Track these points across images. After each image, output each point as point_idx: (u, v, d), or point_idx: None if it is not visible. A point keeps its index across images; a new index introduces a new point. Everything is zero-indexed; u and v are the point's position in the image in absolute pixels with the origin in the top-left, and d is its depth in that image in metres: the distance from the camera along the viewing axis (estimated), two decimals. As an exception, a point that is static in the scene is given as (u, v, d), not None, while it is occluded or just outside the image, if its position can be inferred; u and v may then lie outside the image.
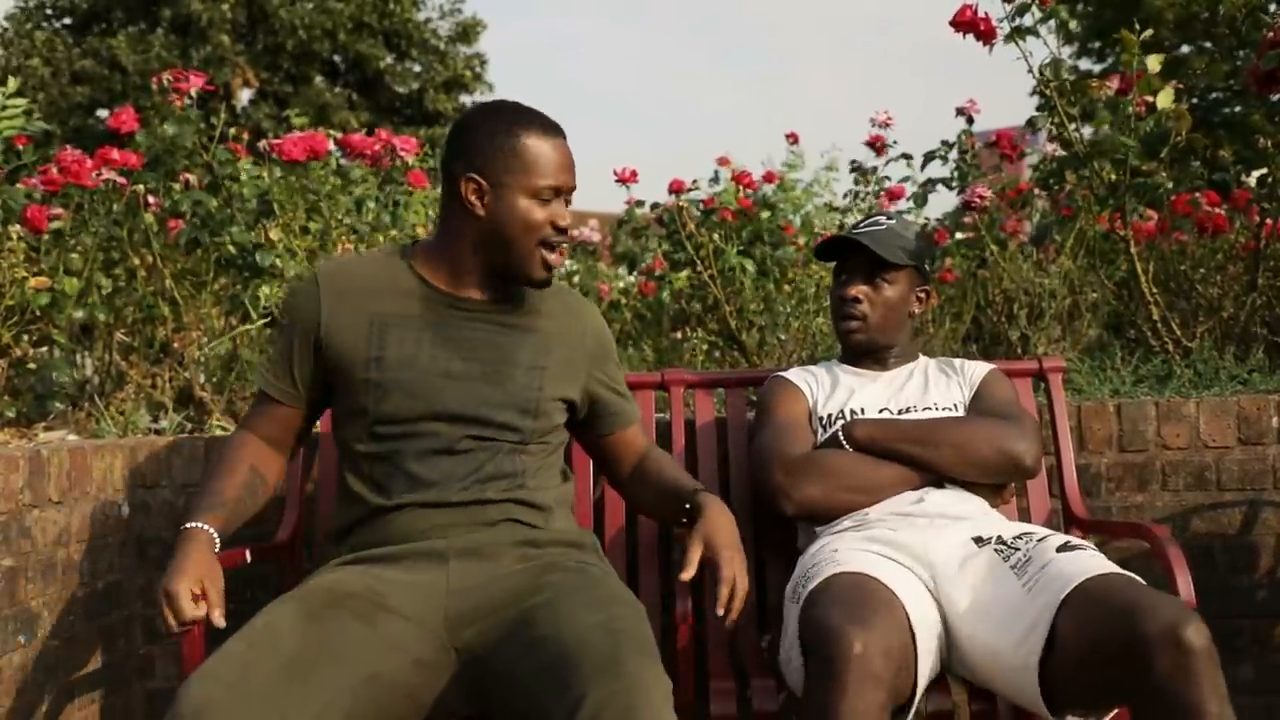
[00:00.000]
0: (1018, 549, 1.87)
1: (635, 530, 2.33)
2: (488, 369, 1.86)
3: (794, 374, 2.29)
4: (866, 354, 2.25)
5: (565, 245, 1.90)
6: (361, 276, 1.90)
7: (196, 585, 1.69)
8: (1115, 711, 1.79)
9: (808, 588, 1.81)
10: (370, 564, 1.83)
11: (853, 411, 2.16)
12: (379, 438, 1.86)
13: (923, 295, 2.27)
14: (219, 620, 1.68)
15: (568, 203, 1.88)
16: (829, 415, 2.18)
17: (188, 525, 1.78)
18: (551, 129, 1.89)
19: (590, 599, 1.67)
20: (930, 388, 2.22)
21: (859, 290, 2.20)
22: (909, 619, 1.74)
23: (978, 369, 2.26)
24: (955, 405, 2.18)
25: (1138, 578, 1.76)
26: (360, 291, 1.88)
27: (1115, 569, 1.77)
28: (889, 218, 2.26)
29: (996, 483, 2.09)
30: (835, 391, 2.22)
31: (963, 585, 1.86)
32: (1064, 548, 1.84)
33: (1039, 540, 1.88)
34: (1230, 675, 2.45)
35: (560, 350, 1.93)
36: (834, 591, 1.74)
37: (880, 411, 2.16)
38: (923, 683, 1.76)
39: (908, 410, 2.16)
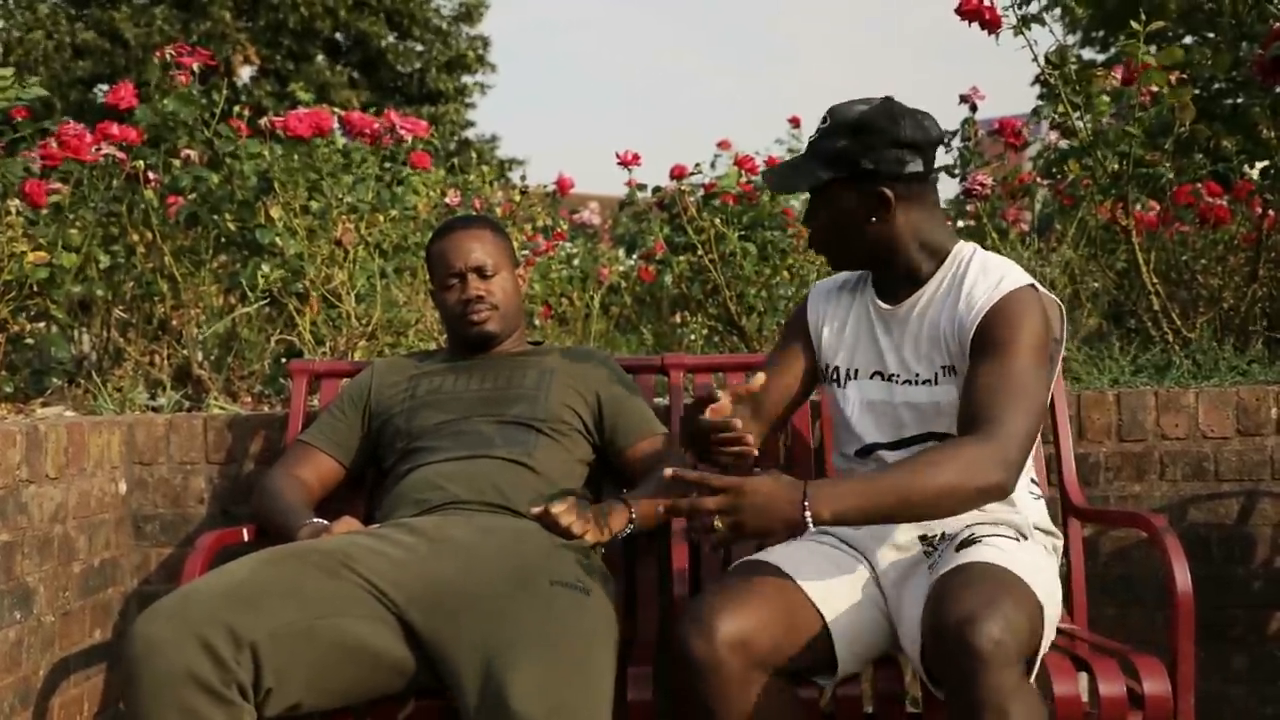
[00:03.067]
0: (937, 550, 1.86)
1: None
2: (500, 383, 2.23)
3: (815, 303, 2.05)
4: (878, 281, 1.98)
5: (481, 307, 2.26)
6: (406, 361, 2.36)
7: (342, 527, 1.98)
8: (1117, 694, 1.79)
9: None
10: (352, 533, 1.96)
11: (852, 371, 1.98)
12: (409, 446, 2.17)
13: (885, 195, 1.86)
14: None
15: (480, 273, 2.25)
16: (835, 368, 2.00)
17: (308, 522, 2.04)
18: (451, 227, 2.34)
19: (543, 667, 1.67)
20: (924, 344, 1.90)
21: (811, 224, 1.96)
22: (810, 599, 1.78)
23: (981, 302, 1.83)
24: (937, 376, 1.89)
25: (1000, 569, 1.68)
26: (403, 366, 2.34)
27: (980, 560, 1.70)
28: (825, 120, 1.92)
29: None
30: (844, 335, 2.00)
31: (896, 586, 1.85)
32: (966, 543, 1.78)
33: (952, 539, 1.84)
34: (1225, 664, 2.48)
35: (568, 373, 2.24)
36: (703, 597, 1.78)
37: (872, 376, 1.95)
38: (842, 655, 1.79)
39: (892, 378, 1.92)
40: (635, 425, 2.21)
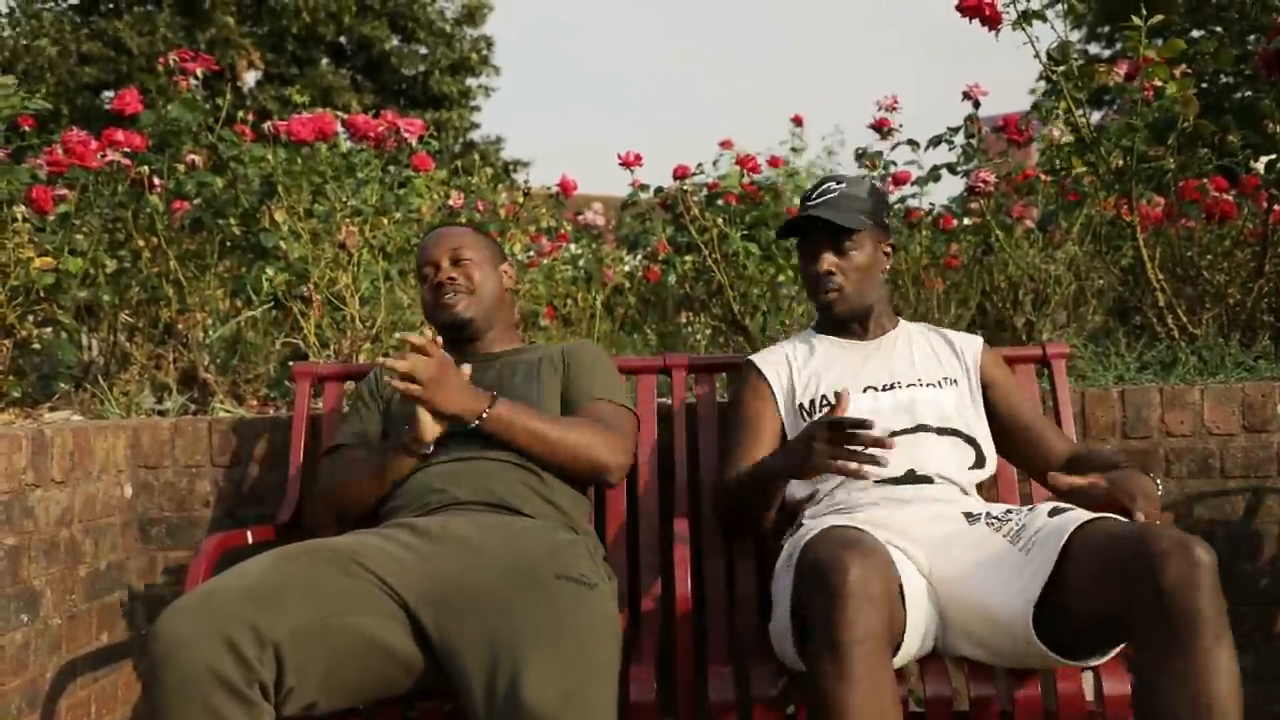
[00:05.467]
0: (1009, 520, 1.90)
1: (636, 518, 2.33)
2: (492, 382, 2.20)
3: (765, 360, 2.25)
4: (848, 323, 2.24)
5: (452, 291, 2.28)
6: None
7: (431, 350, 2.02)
8: (1107, 658, 1.80)
9: (799, 546, 1.82)
10: (358, 532, 1.98)
11: (836, 395, 2.02)
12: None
13: (888, 251, 2.26)
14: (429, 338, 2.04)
15: (453, 259, 2.29)
16: (811, 401, 2.15)
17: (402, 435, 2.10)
18: (431, 229, 2.53)
19: (554, 658, 1.67)
20: (917, 361, 2.19)
21: (830, 263, 2.18)
22: (897, 572, 1.76)
23: (970, 345, 2.24)
24: (942, 382, 2.16)
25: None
26: None
27: (1111, 517, 1.78)
28: (839, 182, 2.23)
29: None
30: (815, 373, 2.19)
31: (955, 559, 1.87)
32: (1055, 511, 1.86)
33: (1029, 510, 1.92)
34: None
35: (551, 363, 2.26)
36: (828, 538, 1.75)
37: (864, 390, 2.13)
38: (912, 647, 1.78)
39: (894, 386, 2.14)
40: (589, 386, 2.22)
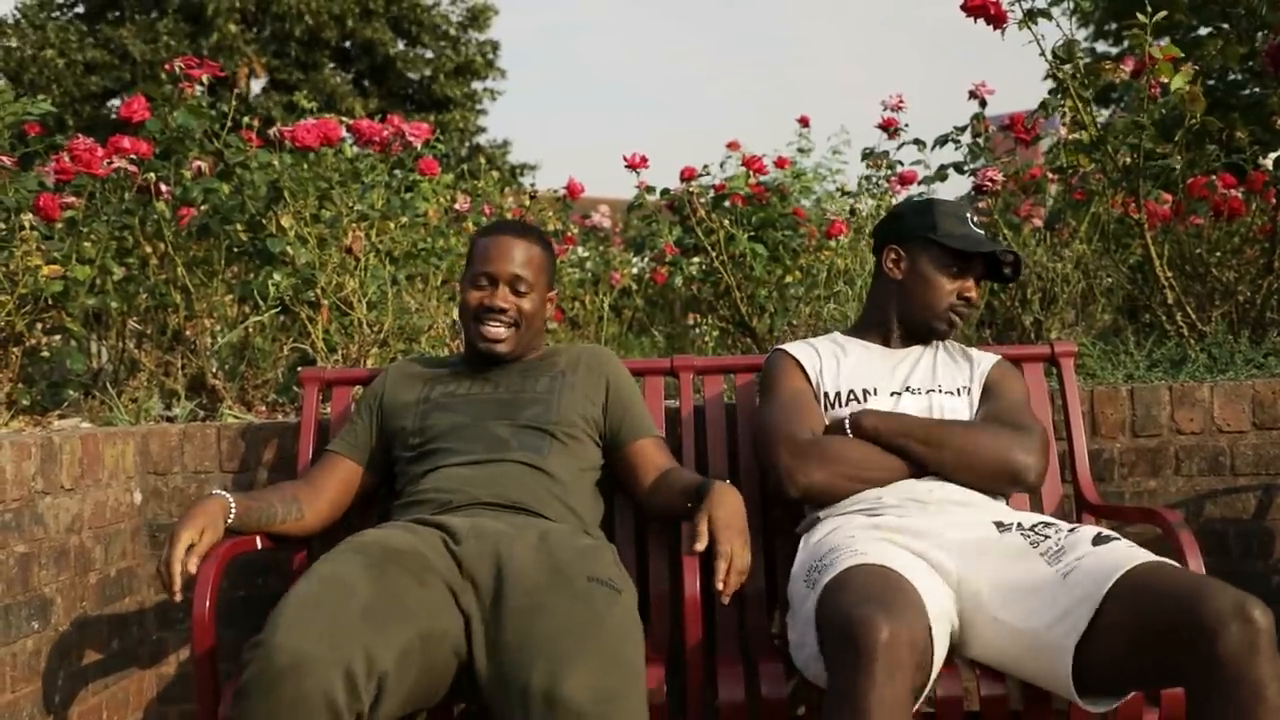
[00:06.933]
0: (1047, 537, 1.87)
1: (644, 519, 2.32)
2: (514, 389, 2.22)
3: (796, 348, 2.29)
4: (891, 331, 2.28)
5: (499, 321, 2.20)
6: (421, 364, 2.34)
7: (196, 534, 1.92)
8: (1131, 695, 1.78)
9: (824, 576, 1.79)
10: (399, 528, 1.97)
11: (865, 391, 2.16)
12: (425, 448, 2.16)
13: None
14: (191, 566, 1.90)
15: (514, 285, 2.19)
16: (837, 394, 2.18)
17: (209, 493, 2.04)
18: (499, 228, 2.27)
19: (591, 658, 1.68)
20: (939, 370, 2.22)
21: (976, 293, 2.26)
22: (927, 611, 1.72)
23: (986, 360, 2.27)
24: (959, 390, 2.19)
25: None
26: (418, 368, 2.32)
27: (1162, 559, 1.76)
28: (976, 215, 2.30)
29: (995, 491, 2.07)
30: (842, 367, 2.22)
31: (986, 567, 1.85)
32: (1099, 539, 1.82)
33: (1070, 531, 1.88)
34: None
35: (577, 375, 2.23)
36: (856, 582, 1.72)
37: (891, 395, 2.15)
38: (936, 672, 1.75)
39: (915, 390, 2.16)
40: (636, 425, 2.24)
